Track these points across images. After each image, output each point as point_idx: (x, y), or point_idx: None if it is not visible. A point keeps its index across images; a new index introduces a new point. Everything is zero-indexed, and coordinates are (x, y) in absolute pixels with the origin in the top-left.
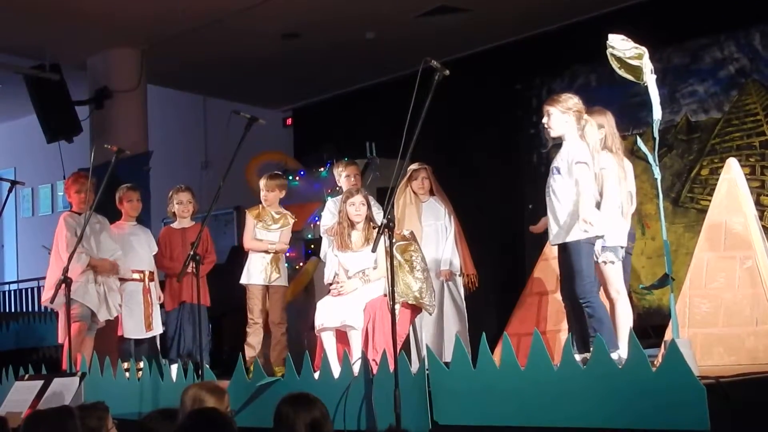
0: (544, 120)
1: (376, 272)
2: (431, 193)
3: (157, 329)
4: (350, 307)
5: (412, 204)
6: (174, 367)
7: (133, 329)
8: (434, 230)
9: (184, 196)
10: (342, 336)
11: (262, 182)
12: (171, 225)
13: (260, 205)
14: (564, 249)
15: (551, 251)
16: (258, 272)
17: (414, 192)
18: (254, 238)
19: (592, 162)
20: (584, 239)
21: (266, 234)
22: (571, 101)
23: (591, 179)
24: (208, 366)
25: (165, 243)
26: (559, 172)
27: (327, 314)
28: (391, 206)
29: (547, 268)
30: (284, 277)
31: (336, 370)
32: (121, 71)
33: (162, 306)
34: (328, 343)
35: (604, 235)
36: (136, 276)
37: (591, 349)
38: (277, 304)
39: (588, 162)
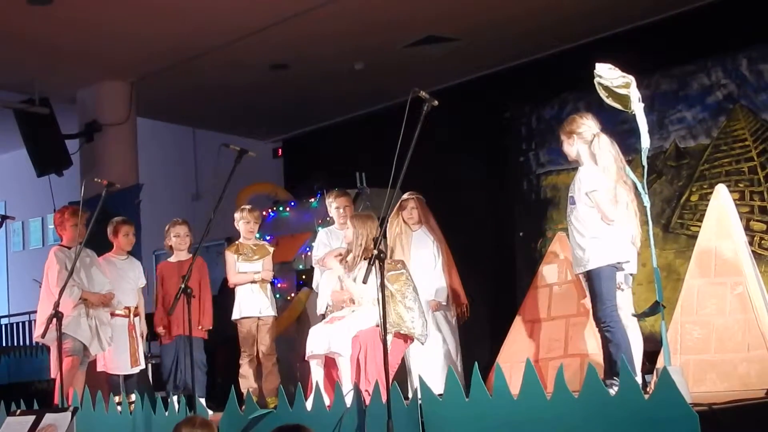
0: None
1: (361, 294)
2: (421, 222)
3: (141, 364)
4: (337, 334)
5: (403, 233)
6: (174, 399)
7: (118, 365)
8: (423, 260)
9: (181, 229)
10: (333, 364)
11: (244, 214)
12: (168, 259)
13: (237, 242)
14: (587, 276)
15: (543, 279)
16: (248, 305)
17: (404, 221)
18: (238, 272)
19: (607, 182)
20: (605, 264)
21: (249, 266)
22: (576, 125)
23: (607, 203)
24: (203, 400)
25: (161, 279)
26: (573, 202)
27: (316, 341)
28: (382, 237)
29: (539, 296)
30: (273, 307)
31: (322, 399)
32: (110, 104)
33: (151, 339)
34: (316, 372)
35: (629, 261)
36: (122, 312)
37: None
38: (267, 335)
39: (598, 188)
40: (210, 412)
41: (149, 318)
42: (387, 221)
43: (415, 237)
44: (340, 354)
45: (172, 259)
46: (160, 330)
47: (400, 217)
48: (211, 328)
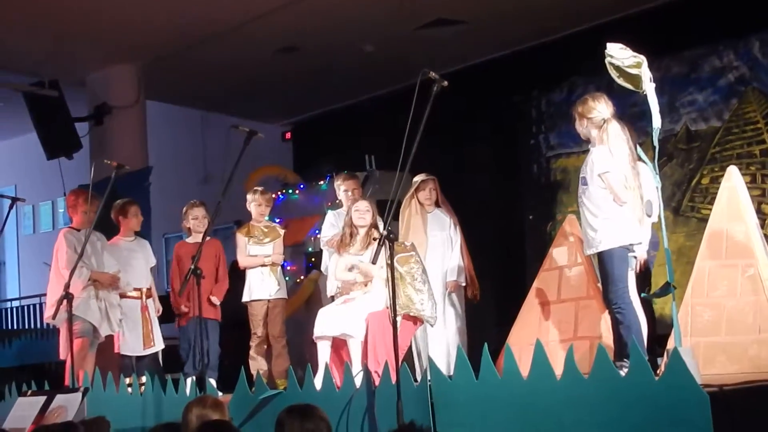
0: None
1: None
2: (437, 204)
3: (158, 345)
4: (350, 317)
5: (418, 215)
6: (189, 381)
7: (131, 347)
8: (440, 241)
9: (199, 211)
10: (342, 345)
11: (256, 197)
12: (185, 240)
13: (248, 224)
14: (599, 257)
15: (553, 262)
16: (258, 287)
17: (420, 203)
18: (248, 254)
19: (618, 164)
20: (617, 246)
21: (259, 248)
22: (586, 108)
23: (619, 184)
24: (214, 380)
25: (178, 259)
26: (585, 183)
27: (326, 323)
28: (391, 218)
29: (549, 278)
30: (283, 290)
31: (331, 379)
32: (120, 87)
33: (163, 320)
34: (323, 352)
35: (641, 242)
36: (134, 293)
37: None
38: (277, 317)
39: (610, 169)
40: (219, 393)
41: (162, 299)
42: (396, 203)
43: (430, 218)
44: (353, 336)
45: (190, 240)
46: (184, 308)
47: (415, 198)
48: (219, 300)
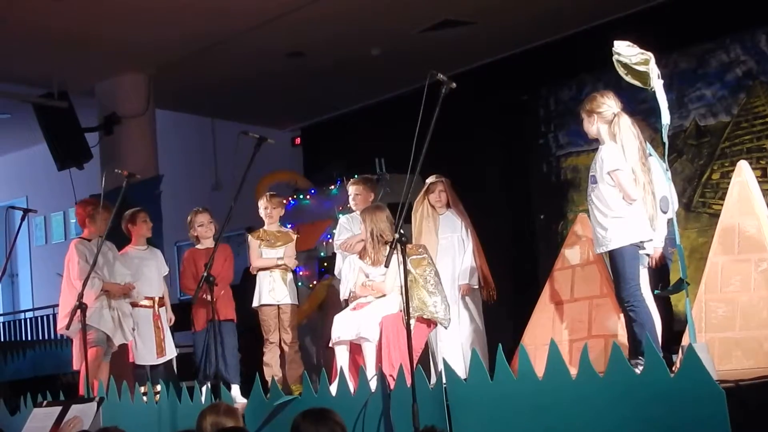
0: None
1: (385, 285)
2: (448, 205)
3: (170, 353)
4: (365, 320)
5: (430, 217)
6: (204, 389)
7: (144, 356)
8: (451, 243)
9: (204, 217)
10: (357, 349)
11: (265, 201)
12: (195, 246)
13: (261, 228)
14: (609, 255)
15: (565, 261)
16: (267, 292)
17: (431, 205)
18: (260, 257)
19: (628, 160)
20: (628, 244)
21: (271, 252)
22: (596, 104)
23: (629, 182)
24: (238, 386)
25: (191, 264)
26: (595, 181)
27: (343, 327)
28: (402, 221)
29: (562, 277)
30: (294, 296)
31: (346, 384)
32: (129, 97)
33: (175, 329)
34: (342, 358)
35: (651, 239)
36: (146, 302)
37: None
38: (289, 323)
39: (620, 167)
40: (244, 399)
41: (174, 308)
42: (407, 206)
43: (442, 220)
44: (368, 339)
45: (200, 246)
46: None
47: (426, 200)
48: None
